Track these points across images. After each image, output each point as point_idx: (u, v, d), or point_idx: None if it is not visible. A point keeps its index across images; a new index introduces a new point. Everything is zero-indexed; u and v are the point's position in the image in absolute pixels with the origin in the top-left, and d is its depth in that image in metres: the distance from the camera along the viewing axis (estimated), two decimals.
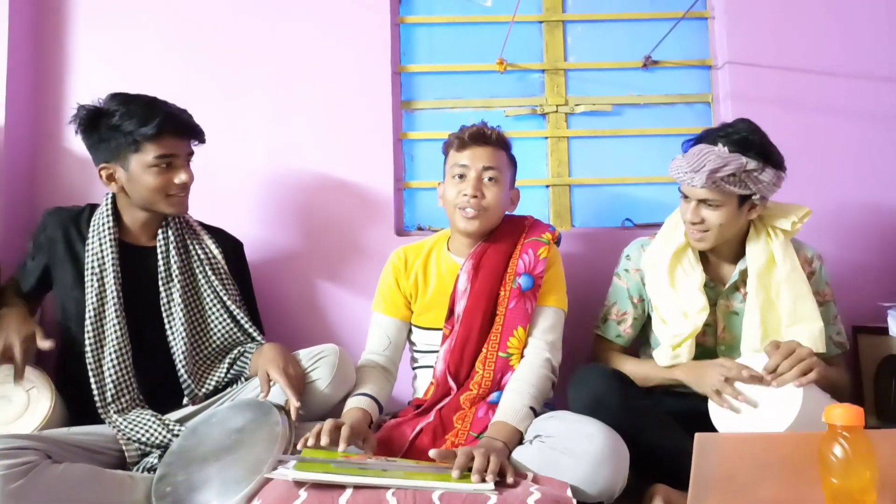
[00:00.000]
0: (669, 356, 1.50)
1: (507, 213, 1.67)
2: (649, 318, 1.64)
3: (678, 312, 1.52)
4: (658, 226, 1.72)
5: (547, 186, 2.10)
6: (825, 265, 1.60)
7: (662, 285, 1.56)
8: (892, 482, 0.97)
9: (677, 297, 1.53)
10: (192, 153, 1.58)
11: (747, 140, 1.44)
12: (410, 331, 1.66)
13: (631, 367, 1.56)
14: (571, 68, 2.13)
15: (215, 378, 1.53)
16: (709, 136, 1.49)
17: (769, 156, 1.45)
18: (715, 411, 1.37)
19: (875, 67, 2.05)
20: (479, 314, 1.53)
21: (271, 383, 1.40)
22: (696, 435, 1.03)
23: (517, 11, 1.85)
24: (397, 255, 1.69)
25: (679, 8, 2.05)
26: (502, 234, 1.62)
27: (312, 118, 2.02)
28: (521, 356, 1.50)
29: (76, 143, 1.90)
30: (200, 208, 1.71)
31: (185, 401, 1.51)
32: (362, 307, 1.81)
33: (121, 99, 1.50)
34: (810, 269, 1.57)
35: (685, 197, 1.52)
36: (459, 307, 1.56)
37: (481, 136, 1.57)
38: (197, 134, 1.58)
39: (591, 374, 1.41)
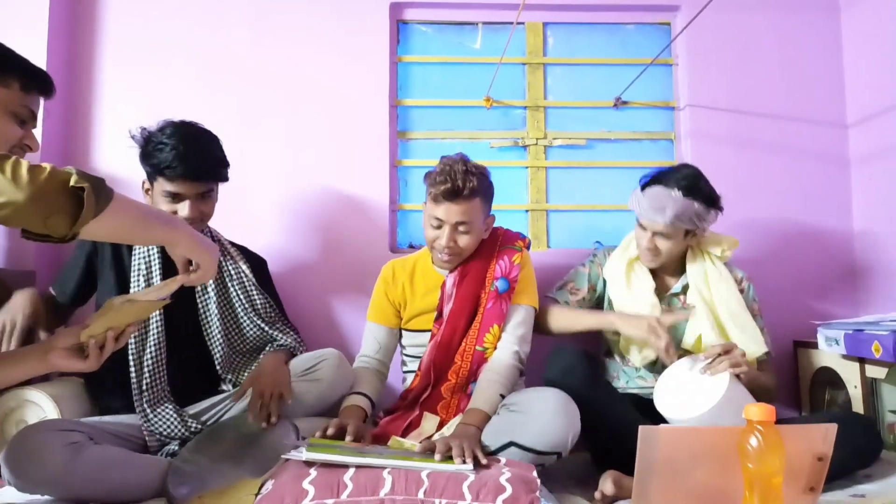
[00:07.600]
0: (640, 353, 1.73)
1: None
2: (598, 304, 1.88)
3: (635, 310, 1.74)
4: None
5: (527, 211, 2.24)
6: (753, 285, 1.83)
7: (621, 288, 1.79)
8: (795, 467, 1.11)
9: (633, 298, 1.76)
10: (208, 190, 1.61)
11: (697, 186, 1.68)
12: (401, 335, 1.79)
13: (568, 312, 1.79)
14: (550, 106, 2.28)
15: (248, 372, 1.67)
16: (664, 179, 1.70)
17: (713, 201, 1.70)
18: (658, 391, 1.57)
19: (814, 111, 2.22)
20: (464, 315, 1.68)
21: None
22: (640, 428, 1.13)
23: (504, 54, 2.00)
24: (386, 269, 1.82)
25: (647, 55, 2.21)
26: (481, 246, 1.74)
27: (321, 145, 2.13)
28: (496, 349, 1.65)
29: (105, 166, 2.06)
30: (224, 222, 1.80)
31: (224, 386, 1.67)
32: (359, 315, 1.91)
33: (168, 132, 1.56)
34: (740, 288, 1.80)
35: (642, 227, 1.74)
36: (447, 309, 1.69)
37: (454, 194, 1.60)
38: (209, 179, 1.61)
39: (564, 351, 1.59)
